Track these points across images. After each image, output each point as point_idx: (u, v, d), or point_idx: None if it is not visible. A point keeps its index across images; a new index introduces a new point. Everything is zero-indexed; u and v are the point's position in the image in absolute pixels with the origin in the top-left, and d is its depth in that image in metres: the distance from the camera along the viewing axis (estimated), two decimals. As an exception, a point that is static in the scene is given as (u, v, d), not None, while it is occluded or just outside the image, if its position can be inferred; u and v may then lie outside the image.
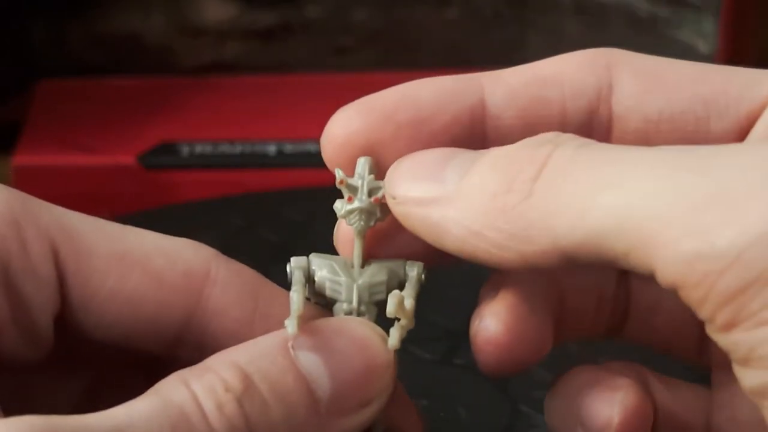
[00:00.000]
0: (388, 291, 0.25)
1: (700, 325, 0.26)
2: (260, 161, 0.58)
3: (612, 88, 0.26)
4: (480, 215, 0.23)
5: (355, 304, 0.25)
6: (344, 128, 0.25)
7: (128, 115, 0.62)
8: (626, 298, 0.27)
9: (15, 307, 0.23)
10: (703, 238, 0.20)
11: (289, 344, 0.23)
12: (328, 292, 0.25)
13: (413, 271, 0.25)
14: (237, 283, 0.25)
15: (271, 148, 0.58)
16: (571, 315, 0.27)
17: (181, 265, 0.25)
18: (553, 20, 0.70)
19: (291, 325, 0.23)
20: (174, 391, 0.22)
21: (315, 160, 0.57)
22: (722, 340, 0.21)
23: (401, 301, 0.24)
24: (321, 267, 0.25)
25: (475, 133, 0.25)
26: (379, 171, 0.25)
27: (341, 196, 0.26)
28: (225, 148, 0.58)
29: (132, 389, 0.23)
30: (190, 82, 0.68)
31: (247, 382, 0.22)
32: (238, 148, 0.58)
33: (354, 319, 0.25)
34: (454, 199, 0.23)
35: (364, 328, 0.24)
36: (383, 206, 0.25)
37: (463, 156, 0.24)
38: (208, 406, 0.21)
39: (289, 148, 0.58)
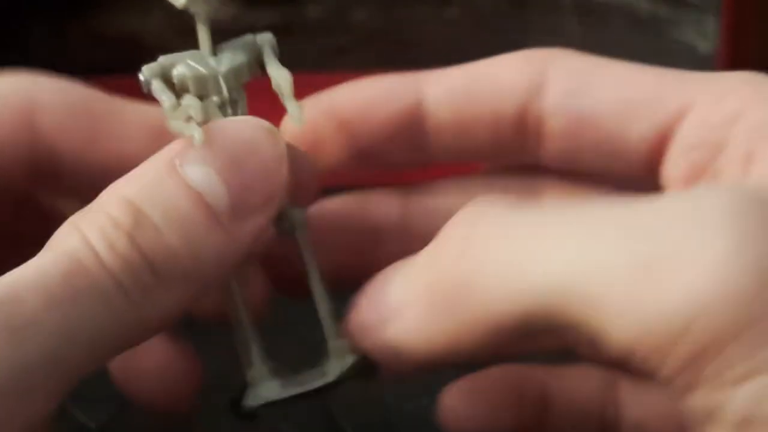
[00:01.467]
0: (249, 69, 0.25)
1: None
2: (260, 161, 0.58)
3: (544, 88, 0.26)
4: (421, 311, 0.22)
5: (225, 93, 0.24)
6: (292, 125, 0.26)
7: (128, 115, 0.61)
8: (616, 413, 0.27)
9: None
10: (651, 309, 0.19)
11: (176, 162, 0.22)
12: (193, 90, 0.24)
13: (266, 43, 0.25)
14: (65, 105, 0.25)
15: (271, 148, 0.58)
16: (557, 419, 0.27)
17: (6, 105, 0.25)
18: (553, 20, 0.70)
19: (197, 132, 0.22)
20: (65, 239, 0.21)
21: (315, 160, 0.57)
22: (682, 403, 0.21)
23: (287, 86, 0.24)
24: (176, 66, 0.24)
25: (415, 132, 0.26)
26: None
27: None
28: (225, 148, 0.58)
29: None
30: (190, 82, 0.68)
31: (137, 214, 0.21)
32: (238, 148, 0.58)
33: (238, 120, 0.24)
34: (400, 311, 0.23)
35: (250, 127, 0.23)
36: None
37: (401, 272, 0.24)
38: (100, 246, 0.20)
39: (289, 148, 0.58)
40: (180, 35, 0.79)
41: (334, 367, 0.25)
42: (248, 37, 0.25)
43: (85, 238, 0.20)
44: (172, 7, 0.77)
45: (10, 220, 0.26)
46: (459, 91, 0.26)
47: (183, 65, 0.24)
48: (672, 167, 0.25)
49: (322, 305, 0.26)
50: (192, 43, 0.76)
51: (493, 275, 0.21)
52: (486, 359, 0.27)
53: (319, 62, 0.73)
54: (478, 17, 0.73)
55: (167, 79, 0.24)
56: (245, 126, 0.23)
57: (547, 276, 0.20)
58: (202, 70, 0.24)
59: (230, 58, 0.24)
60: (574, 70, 0.26)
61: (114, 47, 0.70)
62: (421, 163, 0.27)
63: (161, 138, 0.24)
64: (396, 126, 0.26)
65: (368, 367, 0.24)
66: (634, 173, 0.26)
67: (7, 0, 0.67)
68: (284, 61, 0.81)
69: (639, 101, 0.25)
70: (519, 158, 0.27)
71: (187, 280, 0.21)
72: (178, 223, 0.21)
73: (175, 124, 0.22)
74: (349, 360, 0.25)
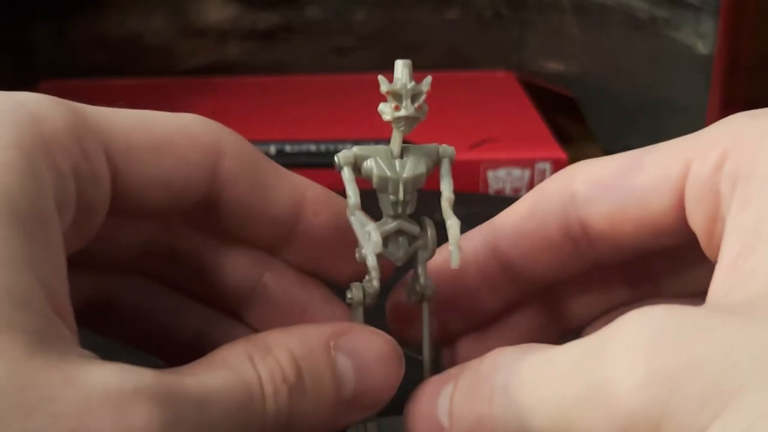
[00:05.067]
0: (427, 175, 0.27)
1: None
2: (260, 161, 0.58)
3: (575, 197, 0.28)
4: None
5: (401, 196, 0.27)
6: None
7: (129, 115, 0.62)
8: None
9: (80, 211, 0.25)
10: None
11: (331, 344, 0.26)
12: (375, 184, 0.27)
13: (446, 158, 0.27)
14: (241, 156, 0.28)
15: (271, 148, 0.58)
16: None
17: (199, 144, 0.27)
18: (553, 20, 0.70)
19: (374, 279, 0.26)
20: (242, 366, 0.25)
21: (315, 160, 0.58)
22: None
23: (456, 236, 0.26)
24: (367, 160, 0.27)
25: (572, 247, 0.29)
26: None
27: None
28: (225, 149, 0.58)
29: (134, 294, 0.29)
30: (190, 82, 0.68)
31: (299, 375, 0.25)
32: (238, 149, 0.58)
33: (384, 338, 0.27)
34: None
35: (389, 348, 0.27)
36: (424, 107, 0.27)
37: (442, 397, 0.26)
38: (268, 391, 0.24)
39: (289, 148, 0.58)
40: (180, 37, 0.78)
41: None
42: (432, 147, 0.28)
43: (258, 375, 0.25)
44: (172, 8, 0.77)
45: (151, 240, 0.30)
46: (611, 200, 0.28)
47: (373, 161, 0.27)
48: (692, 217, 0.26)
49: (427, 372, 0.28)
50: (192, 45, 0.75)
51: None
52: None
53: (319, 62, 0.73)
54: (478, 17, 0.73)
55: (358, 165, 0.27)
56: (386, 345, 0.27)
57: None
58: (387, 173, 0.27)
59: (414, 165, 0.27)
60: (594, 178, 0.28)
61: (115, 48, 0.70)
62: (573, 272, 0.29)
63: (302, 205, 0.28)
64: (555, 247, 0.28)
65: None
66: (666, 231, 0.27)
67: (9, 1, 0.67)
68: (284, 61, 0.81)
69: (648, 184, 0.27)
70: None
71: None
72: (319, 394, 0.25)
73: (354, 220, 0.26)
74: None
